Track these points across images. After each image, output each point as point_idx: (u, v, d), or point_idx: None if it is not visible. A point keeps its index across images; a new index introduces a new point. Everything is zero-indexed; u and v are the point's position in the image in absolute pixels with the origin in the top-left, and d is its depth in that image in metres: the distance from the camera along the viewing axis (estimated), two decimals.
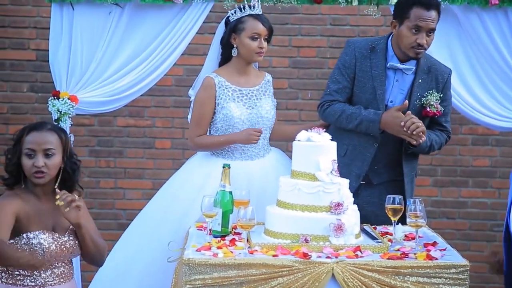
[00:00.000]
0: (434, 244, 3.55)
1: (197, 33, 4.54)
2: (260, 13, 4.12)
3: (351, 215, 3.50)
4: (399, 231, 3.65)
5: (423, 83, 4.05)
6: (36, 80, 6.09)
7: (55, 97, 4.45)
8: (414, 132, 3.87)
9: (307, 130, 3.61)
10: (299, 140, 3.59)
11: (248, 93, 4.14)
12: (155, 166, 6.19)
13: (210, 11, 4.50)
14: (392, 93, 4.07)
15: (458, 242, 6.04)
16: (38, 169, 3.19)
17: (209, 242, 3.49)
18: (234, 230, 3.69)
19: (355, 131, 4.03)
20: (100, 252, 3.35)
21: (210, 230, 3.59)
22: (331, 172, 3.50)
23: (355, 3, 4.41)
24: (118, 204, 6.19)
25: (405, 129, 3.87)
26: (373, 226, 3.80)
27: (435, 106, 4.03)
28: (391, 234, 3.68)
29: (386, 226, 3.83)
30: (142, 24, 4.50)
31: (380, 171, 4.09)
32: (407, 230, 3.66)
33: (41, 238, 3.17)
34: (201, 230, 3.74)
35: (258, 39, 4.06)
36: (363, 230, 3.67)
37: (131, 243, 4.11)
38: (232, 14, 4.12)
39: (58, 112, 4.44)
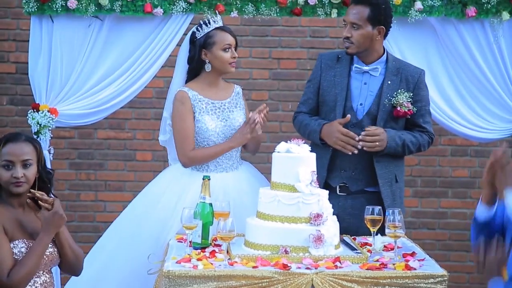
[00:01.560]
0: (413, 254, 3.57)
1: (177, 45, 4.54)
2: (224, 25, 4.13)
3: (331, 226, 3.51)
4: (378, 241, 3.67)
5: (392, 84, 4.10)
6: (16, 93, 6.07)
7: (35, 110, 4.44)
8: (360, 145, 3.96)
9: (286, 142, 3.63)
10: (278, 152, 3.60)
11: (221, 106, 4.13)
12: (136, 179, 6.18)
13: (190, 23, 4.52)
14: (361, 96, 4.12)
15: (438, 253, 6.07)
16: (18, 180, 3.20)
17: (189, 254, 3.49)
18: (214, 242, 3.69)
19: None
20: (78, 259, 3.37)
21: (190, 242, 3.59)
22: (310, 183, 3.51)
23: (334, 15, 4.45)
24: (99, 217, 6.17)
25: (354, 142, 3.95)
26: (352, 237, 3.82)
27: (406, 105, 4.06)
28: (370, 245, 3.69)
29: (365, 236, 3.85)
30: (122, 37, 4.51)
31: (357, 177, 4.10)
32: (386, 240, 3.67)
33: (22, 247, 3.17)
34: (181, 242, 3.74)
35: (230, 50, 4.08)
36: (342, 241, 3.69)
37: (106, 255, 4.06)
38: (198, 30, 4.10)
39: (38, 125, 4.43)
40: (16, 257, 3.14)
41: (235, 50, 4.12)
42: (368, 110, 4.08)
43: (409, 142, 4.07)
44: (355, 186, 4.11)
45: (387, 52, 4.16)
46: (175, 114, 4.10)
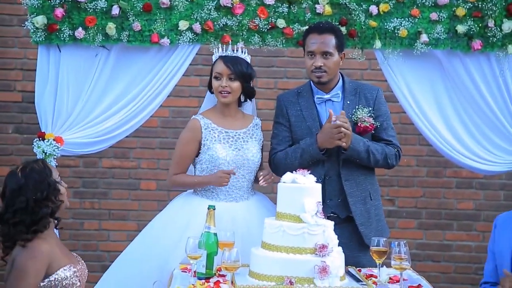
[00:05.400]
0: (419, 287, 3.55)
1: (183, 75, 4.57)
2: (230, 54, 4.16)
3: (336, 257, 3.49)
4: (383, 273, 3.65)
5: (351, 103, 4.16)
6: (22, 122, 6.10)
7: (41, 138, 4.45)
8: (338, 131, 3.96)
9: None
10: (284, 182, 3.59)
11: (235, 135, 4.16)
12: (140, 208, 6.18)
13: (197, 54, 4.54)
14: None
15: (443, 285, 6.04)
16: None
17: (193, 284, 3.47)
18: (218, 272, 3.67)
19: (304, 164, 3.99)
20: None
21: (194, 272, 3.57)
22: (315, 214, 3.50)
23: None
24: (102, 246, 6.15)
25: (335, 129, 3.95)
26: (358, 269, 3.80)
27: (367, 120, 4.11)
28: (376, 277, 3.67)
29: (371, 268, 3.83)
30: (128, 66, 4.52)
31: (343, 204, 4.12)
32: (391, 272, 3.66)
33: (73, 271, 3.22)
34: (186, 272, 3.72)
35: (220, 79, 4.11)
36: (347, 273, 3.67)
37: (112, 285, 4.07)
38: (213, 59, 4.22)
39: (43, 154, 4.43)
40: (72, 281, 3.24)
41: (233, 80, 4.11)
42: None
43: (374, 149, 4.10)
44: (344, 213, 4.10)
45: (342, 76, 4.23)
46: (180, 137, 4.19)
